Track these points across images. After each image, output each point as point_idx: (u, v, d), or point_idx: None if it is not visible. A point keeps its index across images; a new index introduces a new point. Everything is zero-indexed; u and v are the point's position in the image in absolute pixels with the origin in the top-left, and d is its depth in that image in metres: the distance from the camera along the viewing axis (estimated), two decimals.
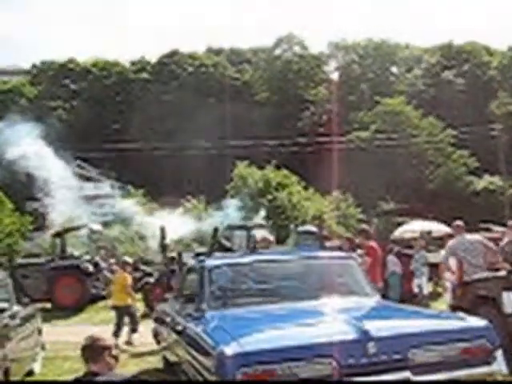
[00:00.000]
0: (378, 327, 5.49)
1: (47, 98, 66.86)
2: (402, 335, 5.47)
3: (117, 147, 53.08)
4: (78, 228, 23.30)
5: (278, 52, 70.59)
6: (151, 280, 17.50)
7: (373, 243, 10.88)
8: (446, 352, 5.46)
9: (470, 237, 10.66)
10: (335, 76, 70.86)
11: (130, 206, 27.42)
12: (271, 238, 16.61)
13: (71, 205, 23.21)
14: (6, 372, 7.37)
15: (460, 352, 5.51)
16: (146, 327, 11.85)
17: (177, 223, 24.11)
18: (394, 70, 70.12)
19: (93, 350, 4.39)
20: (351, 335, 5.32)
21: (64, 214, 24.17)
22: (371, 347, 5.21)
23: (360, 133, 54.07)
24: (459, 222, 10.96)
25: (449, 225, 24.61)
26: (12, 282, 9.03)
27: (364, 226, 13.70)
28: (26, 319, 9.13)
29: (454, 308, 9.54)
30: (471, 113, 57.10)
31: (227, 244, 19.28)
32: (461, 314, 6.45)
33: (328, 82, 68.39)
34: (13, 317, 8.26)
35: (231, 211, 26.86)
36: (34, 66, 72.41)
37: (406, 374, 5.22)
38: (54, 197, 23.87)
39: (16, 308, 8.71)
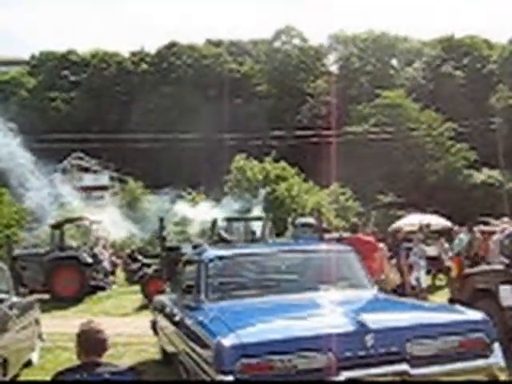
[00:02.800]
0: (376, 320, 5.49)
1: (46, 88, 66.77)
2: (400, 328, 5.48)
3: (116, 138, 53.01)
4: (76, 219, 23.29)
5: (277, 44, 70.51)
6: (149, 271, 17.49)
7: (360, 236, 10.80)
8: (444, 345, 5.47)
9: None
10: (335, 68, 70.81)
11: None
12: None
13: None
14: (5, 362, 7.39)
15: (457, 345, 5.52)
16: (144, 318, 11.87)
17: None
18: (394, 62, 70.12)
19: (96, 341, 4.39)
20: (349, 327, 5.32)
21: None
22: (368, 339, 5.22)
23: (359, 126, 54.05)
24: None
25: (448, 218, 24.79)
26: (10, 273, 9.04)
27: (354, 219, 13.63)
28: (25, 310, 9.14)
29: (453, 301, 9.56)
30: (471, 106, 57.14)
31: (226, 236, 19.27)
32: (458, 307, 6.46)
33: (327, 74, 68.33)
34: (11, 307, 8.27)
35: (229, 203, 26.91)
36: (33, 56, 72.31)
37: (403, 367, 5.23)
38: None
39: (14, 299, 8.73)
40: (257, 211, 26.62)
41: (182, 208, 26.52)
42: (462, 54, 66.07)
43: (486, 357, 5.56)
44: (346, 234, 14.81)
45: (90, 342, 4.38)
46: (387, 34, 68.95)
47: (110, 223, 23.26)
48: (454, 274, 10.67)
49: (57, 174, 58.51)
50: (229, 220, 22.68)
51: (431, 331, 5.50)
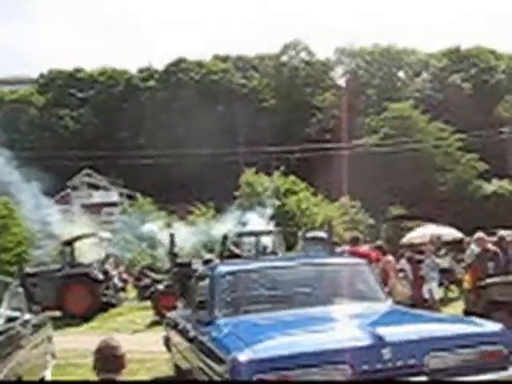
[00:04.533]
0: (393, 332, 5.43)
1: (55, 106, 67.17)
2: (417, 340, 5.40)
3: (125, 155, 53.19)
4: (87, 236, 23.32)
5: (284, 59, 70.67)
6: (160, 287, 17.45)
7: (360, 248, 10.71)
8: (462, 357, 5.39)
9: None
10: (342, 82, 70.91)
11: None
12: None
13: None
14: (19, 380, 7.35)
15: (476, 357, 5.44)
16: (156, 335, 11.82)
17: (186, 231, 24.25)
18: (401, 74, 70.13)
19: (116, 359, 4.36)
20: (365, 341, 5.26)
21: None
22: (386, 353, 5.15)
23: (368, 138, 54.01)
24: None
25: (459, 229, 24.64)
26: (23, 291, 9.02)
27: (355, 232, 13.50)
28: (37, 327, 9.12)
29: (468, 313, 9.47)
30: (479, 117, 57.01)
31: (236, 250, 19.24)
32: (476, 319, 6.38)
33: (335, 87, 68.41)
34: (24, 325, 8.25)
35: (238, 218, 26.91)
36: (41, 75, 72.75)
37: (422, 379, 5.16)
38: None
39: (27, 316, 8.70)
40: (263, 223, 26.57)
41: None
42: (469, 65, 66.07)
43: (505, 369, 5.48)
44: (346, 247, 14.72)
45: (110, 359, 4.34)
46: (394, 46, 69.03)
47: (120, 240, 23.32)
48: (467, 285, 10.57)
49: (67, 191, 58.85)
50: (240, 235, 22.66)
51: (449, 344, 5.42)
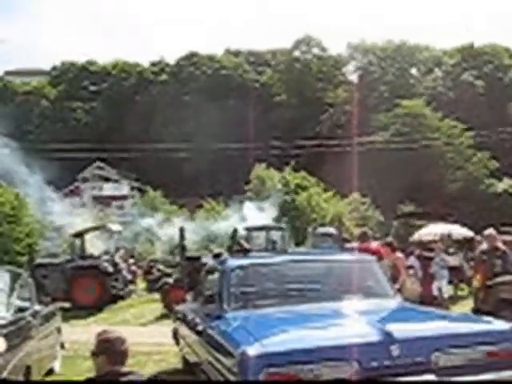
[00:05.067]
0: (402, 329, 5.44)
1: (67, 99, 67.34)
2: (426, 337, 5.40)
3: (136, 148, 53.29)
4: (97, 228, 23.42)
5: (296, 54, 70.48)
6: (170, 280, 17.50)
7: (369, 244, 10.66)
8: (470, 355, 5.38)
9: None
10: (354, 78, 70.67)
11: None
12: None
13: None
14: (28, 370, 7.40)
15: (484, 355, 5.43)
16: (165, 328, 11.86)
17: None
18: (414, 71, 69.79)
19: (122, 351, 4.37)
20: (374, 337, 5.26)
21: None
22: (394, 349, 5.15)
23: (379, 135, 53.88)
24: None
25: (469, 228, 24.55)
26: (33, 282, 9.07)
27: (364, 229, 13.44)
28: (47, 318, 9.17)
29: (477, 311, 9.45)
30: (491, 115, 56.74)
31: (246, 245, 19.22)
32: (485, 317, 6.38)
33: (347, 83, 68.19)
34: (34, 315, 8.29)
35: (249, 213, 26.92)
36: (54, 67, 72.93)
37: (429, 377, 5.15)
38: None
39: (37, 307, 8.75)
40: (269, 218, 26.60)
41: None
42: (483, 63, 65.69)
43: None
44: (355, 243, 14.69)
45: (117, 351, 4.35)
46: (407, 42, 68.73)
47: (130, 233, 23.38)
48: (477, 284, 10.54)
49: (77, 183, 59.07)
50: (249, 229, 22.67)
51: (458, 341, 5.42)
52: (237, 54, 73.18)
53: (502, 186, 52.49)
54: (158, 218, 29.65)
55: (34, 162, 26.10)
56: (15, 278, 8.29)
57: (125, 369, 4.32)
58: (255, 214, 26.98)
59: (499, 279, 9.60)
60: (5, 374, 6.40)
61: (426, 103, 57.20)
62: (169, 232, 25.11)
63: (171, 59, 71.52)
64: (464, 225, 25.23)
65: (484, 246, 15.32)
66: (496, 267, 10.20)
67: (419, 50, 69.93)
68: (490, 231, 10.94)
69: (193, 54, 69.88)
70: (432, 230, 23.59)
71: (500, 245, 10.74)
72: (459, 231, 23.45)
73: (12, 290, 7.94)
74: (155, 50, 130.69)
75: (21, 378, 7.07)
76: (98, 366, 4.39)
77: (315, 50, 70.98)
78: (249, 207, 28.30)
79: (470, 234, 23.36)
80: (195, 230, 26.20)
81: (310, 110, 63.56)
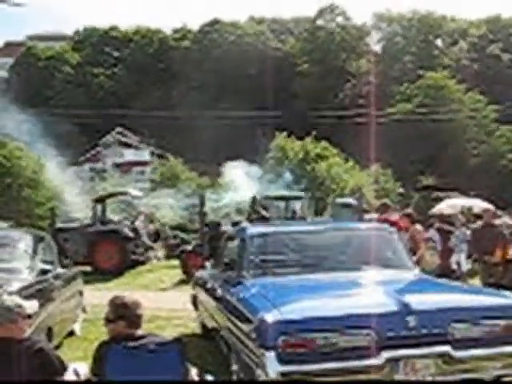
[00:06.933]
0: (419, 300, 5.48)
1: (90, 64, 67.33)
2: (443, 309, 5.44)
3: (157, 115, 53.31)
4: (119, 194, 23.59)
5: (320, 22, 69.71)
6: (189, 247, 17.63)
7: (389, 216, 10.63)
8: (487, 328, 5.42)
9: None
10: (378, 48, 69.88)
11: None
12: None
13: None
14: (50, 331, 7.55)
15: (500, 329, 5.46)
16: (184, 293, 11.99)
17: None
18: (439, 42, 68.83)
19: (138, 315, 4.42)
20: (391, 307, 5.31)
21: None
22: (411, 320, 5.20)
23: (402, 106, 53.41)
24: None
25: (491, 202, 24.41)
26: (55, 245, 9.19)
27: (384, 200, 13.41)
28: (69, 281, 9.31)
29: (494, 285, 9.45)
30: None
31: (265, 213, 19.27)
32: (502, 291, 6.39)
33: (370, 53, 67.47)
34: (56, 278, 8.43)
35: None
36: (77, 32, 72.85)
37: (445, 348, 5.20)
38: None
39: (59, 270, 8.88)
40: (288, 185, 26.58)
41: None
42: (509, 35, 64.62)
43: None
44: (375, 215, 14.67)
45: (133, 315, 4.40)
46: (432, 13, 67.71)
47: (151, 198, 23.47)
48: (497, 257, 10.53)
49: (98, 148, 59.34)
50: (268, 198, 22.66)
51: (475, 314, 5.46)
52: (260, 21, 72.57)
53: None
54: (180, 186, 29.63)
55: (55, 127, 26.20)
56: (38, 240, 8.40)
57: (140, 332, 4.39)
58: (274, 183, 26.93)
59: None
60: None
61: (451, 75, 56.49)
62: (188, 201, 25.21)
63: (194, 26, 71.24)
64: (485, 199, 25.08)
65: (479, 222, 15.31)
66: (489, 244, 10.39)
67: (445, 21, 68.92)
68: (489, 207, 10.99)
69: (216, 21, 69.42)
70: (453, 203, 23.50)
71: (497, 222, 10.78)
72: (480, 205, 23.32)
73: (35, 252, 8.07)
74: (178, 16, 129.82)
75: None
76: (114, 331, 4.42)
77: (339, 19, 70.16)
78: (268, 176, 28.24)
79: (491, 208, 23.22)
80: (215, 198, 26.28)
81: (333, 79, 63.06)
